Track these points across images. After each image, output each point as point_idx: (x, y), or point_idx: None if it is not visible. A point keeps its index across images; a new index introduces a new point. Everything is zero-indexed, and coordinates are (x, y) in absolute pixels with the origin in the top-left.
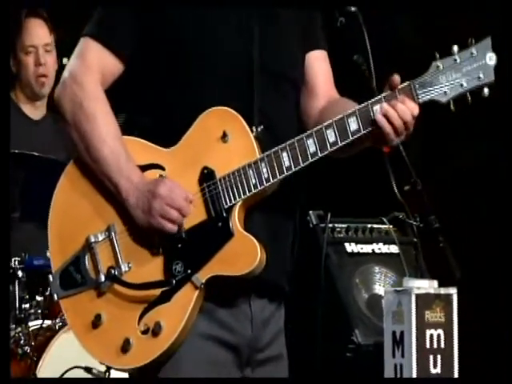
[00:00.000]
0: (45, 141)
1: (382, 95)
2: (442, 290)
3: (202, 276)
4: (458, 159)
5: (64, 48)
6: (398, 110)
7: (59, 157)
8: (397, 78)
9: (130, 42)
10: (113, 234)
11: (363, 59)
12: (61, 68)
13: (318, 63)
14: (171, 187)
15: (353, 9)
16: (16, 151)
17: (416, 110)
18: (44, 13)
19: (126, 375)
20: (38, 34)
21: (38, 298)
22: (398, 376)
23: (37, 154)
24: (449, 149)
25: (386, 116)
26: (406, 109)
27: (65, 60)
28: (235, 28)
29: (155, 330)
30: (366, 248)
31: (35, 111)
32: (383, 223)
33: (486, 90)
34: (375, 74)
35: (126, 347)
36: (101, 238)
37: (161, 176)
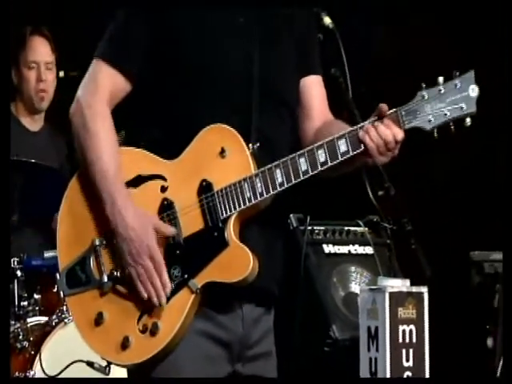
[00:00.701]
0: (41, 150)
1: (372, 119)
2: (414, 289)
3: (198, 281)
4: (428, 167)
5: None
6: (379, 130)
7: (54, 165)
8: (385, 107)
9: (138, 61)
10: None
11: (340, 73)
12: (58, 82)
13: (314, 87)
14: (159, 259)
15: (330, 26)
16: (15, 158)
17: (400, 134)
18: (47, 32)
19: (125, 371)
20: (41, 51)
21: (36, 296)
22: (373, 369)
23: (34, 160)
24: (420, 157)
25: (367, 133)
26: (389, 131)
27: (61, 73)
28: (238, 49)
29: (153, 330)
30: (343, 249)
31: (33, 123)
32: (359, 226)
33: (467, 120)
34: (351, 86)
35: (125, 344)
36: (105, 241)
37: (162, 187)
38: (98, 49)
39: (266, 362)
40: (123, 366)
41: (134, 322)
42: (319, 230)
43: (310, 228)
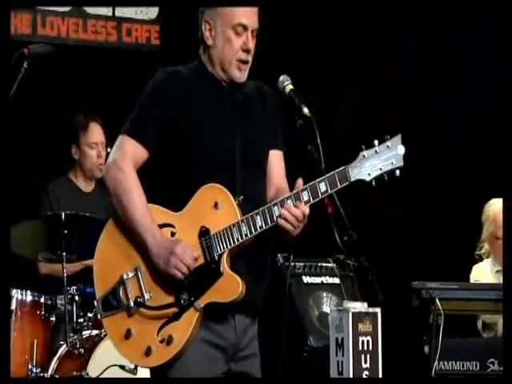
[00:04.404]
0: (93, 206)
1: (325, 177)
2: (370, 309)
3: (201, 302)
4: (380, 216)
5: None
6: (291, 212)
7: (102, 217)
8: (300, 182)
9: (153, 136)
10: (139, 273)
11: (315, 149)
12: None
13: (276, 160)
14: (184, 249)
15: (308, 114)
16: (73, 212)
17: (306, 210)
18: (99, 119)
19: (148, 371)
20: (99, 134)
21: (89, 315)
22: (340, 369)
23: (88, 214)
24: (372, 208)
25: (284, 218)
26: (299, 211)
27: (109, 149)
28: (225, 129)
29: (169, 340)
30: (317, 280)
31: (87, 186)
32: (329, 262)
33: (397, 172)
34: (323, 159)
35: (148, 352)
36: (130, 275)
37: (172, 233)
38: (123, 127)
39: (253, 361)
40: (147, 368)
41: (154, 335)
42: (299, 265)
43: (292, 264)
